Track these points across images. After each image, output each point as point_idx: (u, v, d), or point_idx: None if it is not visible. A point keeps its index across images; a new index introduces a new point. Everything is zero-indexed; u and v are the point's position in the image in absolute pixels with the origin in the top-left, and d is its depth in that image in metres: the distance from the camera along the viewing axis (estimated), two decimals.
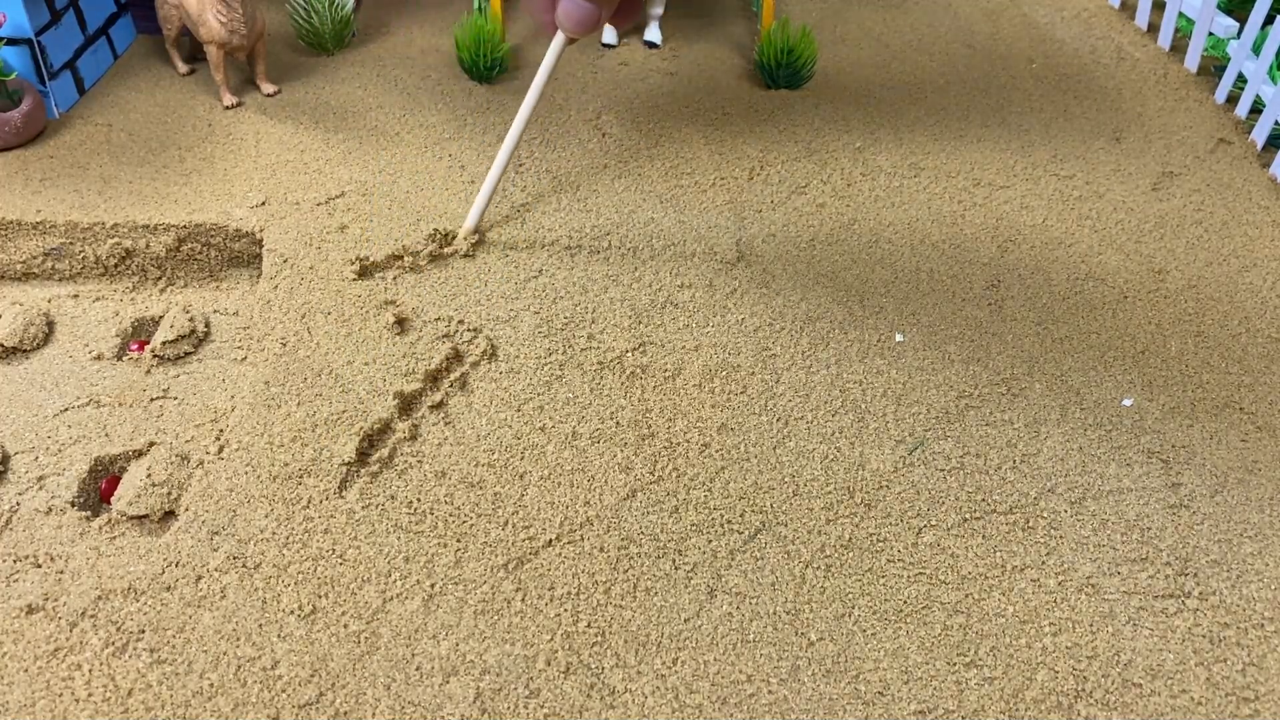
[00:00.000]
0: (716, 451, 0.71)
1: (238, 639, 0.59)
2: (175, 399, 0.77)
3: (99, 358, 0.81)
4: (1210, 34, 1.19)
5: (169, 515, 0.68)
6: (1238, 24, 1.16)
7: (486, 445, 0.71)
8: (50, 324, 0.84)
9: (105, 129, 1.04)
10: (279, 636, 0.59)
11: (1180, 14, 1.25)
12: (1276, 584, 0.63)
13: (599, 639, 0.59)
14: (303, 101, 1.10)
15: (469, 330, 0.80)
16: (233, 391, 0.78)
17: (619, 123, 1.07)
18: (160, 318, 0.86)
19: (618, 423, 0.73)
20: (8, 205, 0.91)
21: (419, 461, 0.70)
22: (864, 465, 0.70)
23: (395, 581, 0.62)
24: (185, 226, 0.90)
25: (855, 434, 0.73)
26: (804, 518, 0.67)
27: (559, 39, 0.79)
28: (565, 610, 0.61)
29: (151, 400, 0.77)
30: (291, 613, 0.60)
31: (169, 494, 0.68)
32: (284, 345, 0.78)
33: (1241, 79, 1.13)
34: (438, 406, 0.74)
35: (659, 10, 1.24)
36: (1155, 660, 0.59)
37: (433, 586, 0.62)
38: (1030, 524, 0.67)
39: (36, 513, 0.67)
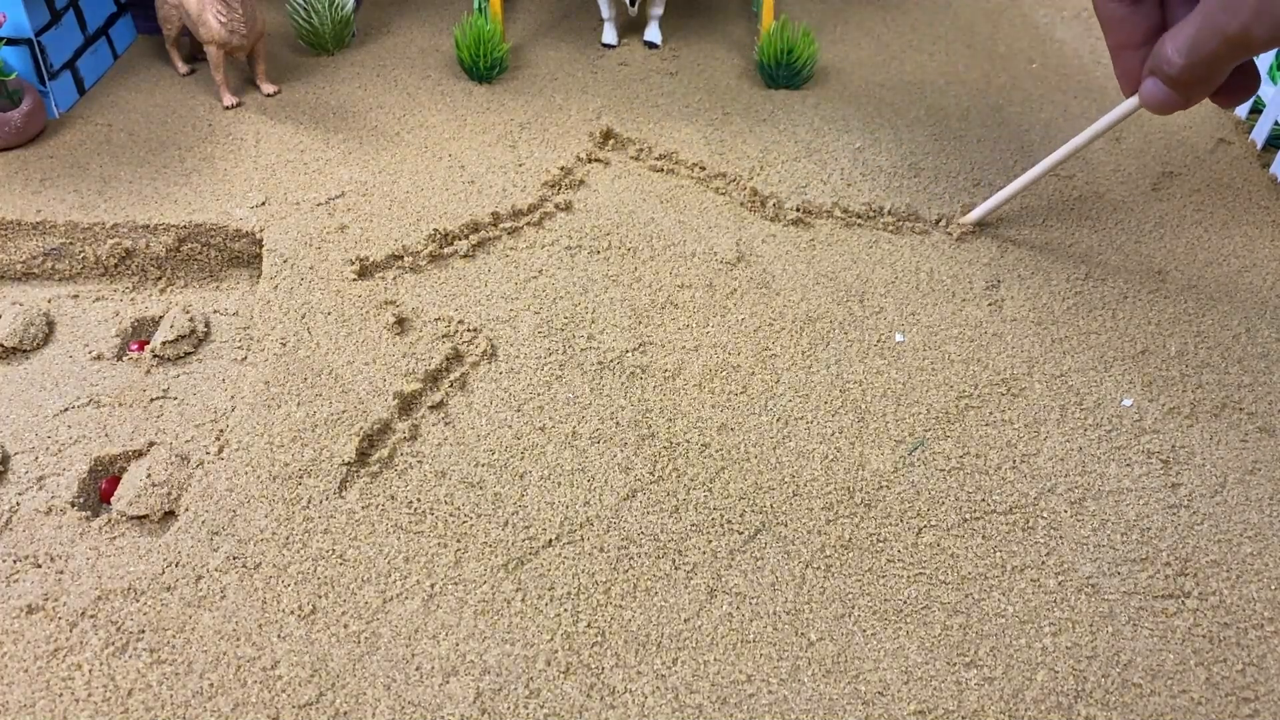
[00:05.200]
0: (716, 451, 0.71)
1: (238, 639, 0.59)
2: (175, 399, 0.77)
3: (99, 358, 0.81)
4: None
5: (169, 515, 0.68)
6: None
7: (486, 445, 0.71)
8: (50, 324, 0.84)
9: (105, 129, 1.04)
10: (279, 636, 0.59)
11: None
12: (1276, 584, 0.63)
13: (599, 639, 0.59)
14: (303, 101, 1.10)
15: (469, 330, 0.80)
16: (233, 391, 0.78)
17: (619, 123, 1.07)
18: (160, 318, 0.86)
19: (618, 423, 0.73)
20: (8, 205, 0.91)
21: (419, 461, 0.70)
22: (864, 465, 0.70)
23: (395, 581, 0.62)
24: (185, 226, 0.90)
25: (855, 434, 0.73)
26: (804, 518, 0.67)
27: (1131, 103, 0.74)
28: (565, 610, 0.61)
29: (151, 400, 0.77)
30: (291, 613, 0.60)
31: (169, 494, 0.68)
32: (284, 345, 0.78)
33: None
34: (438, 406, 0.74)
35: (659, 10, 1.24)
36: (1155, 660, 0.59)
37: (433, 586, 0.62)
38: (1030, 524, 0.67)
39: (36, 513, 0.67)
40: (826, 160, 1.02)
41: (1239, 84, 0.65)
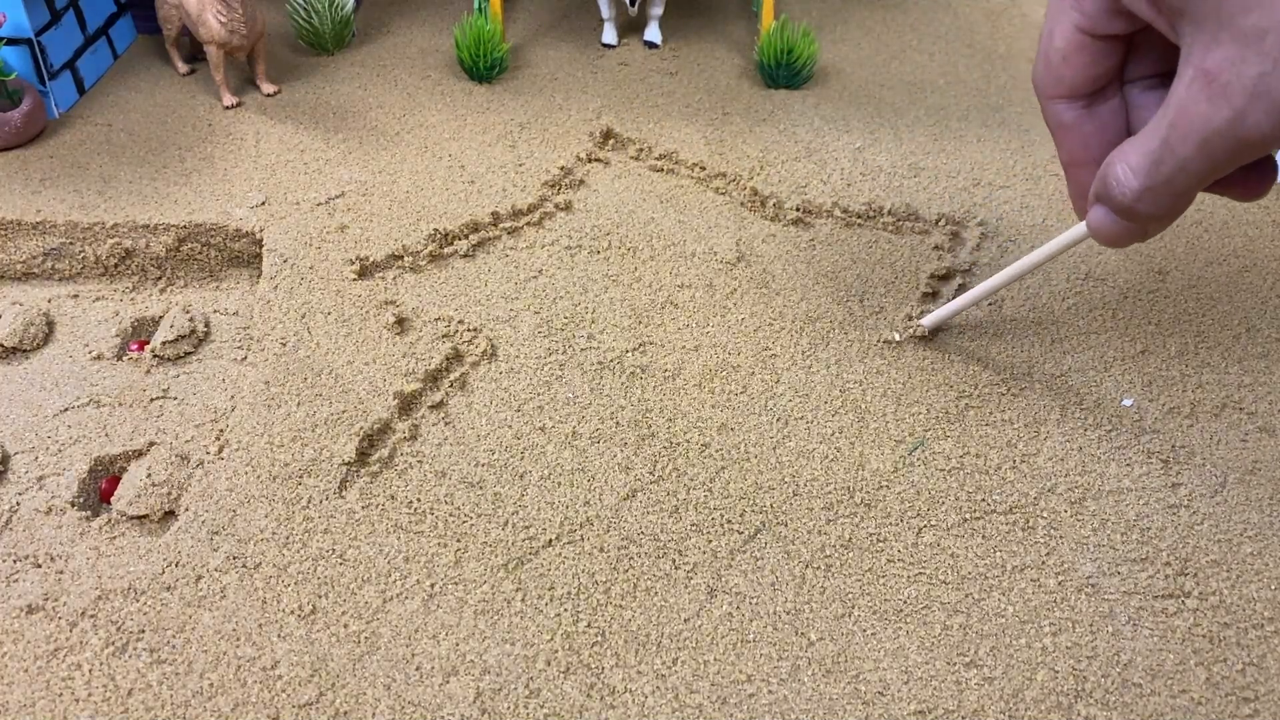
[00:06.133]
0: (716, 451, 0.71)
1: (238, 639, 0.59)
2: (175, 399, 0.77)
3: (99, 358, 0.81)
4: None
5: (169, 515, 0.68)
6: None
7: (486, 445, 0.71)
8: (50, 324, 0.84)
9: (105, 129, 1.04)
10: (279, 636, 0.59)
11: None
12: (1276, 584, 0.63)
13: (599, 639, 0.59)
14: (303, 101, 1.10)
15: (469, 330, 0.80)
16: (233, 391, 0.78)
17: (619, 123, 1.07)
18: (160, 318, 0.86)
19: (618, 423, 0.73)
20: (8, 205, 0.91)
21: (419, 461, 0.70)
22: (864, 465, 0.70)
23: (395, 581, 0.62)
24: (185, 226, 0.90)
25: (855, 434, 0.73)
26: (804, 518, 0.67)
27: (1080, 229, 0.62)
28: (565, 610, 0.61)
29: (151, 400, 0.77)
30: (291, 613, 0.60)
31: (169, 494, 0.68)
32: (284, 345, 0.78)
33: None
34: (438, 406, 0.74)
35: (659, 10, 1.24)
36: (1155, 660, 0.59)
37: (433, 586, 0.62)
38: (1030, 524, 0.67)
39: (36, 513, 0.67)
40: (826, 160, 1.02)
41: (1254, 172, 0.50)
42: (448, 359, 0.78)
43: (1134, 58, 0.53)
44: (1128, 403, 0.75)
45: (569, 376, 0.77)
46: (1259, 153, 0.43)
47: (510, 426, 0.73)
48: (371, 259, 0.86)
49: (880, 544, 0.65)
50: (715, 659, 0.59)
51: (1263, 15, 0.40)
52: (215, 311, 0.87)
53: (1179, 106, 0.44)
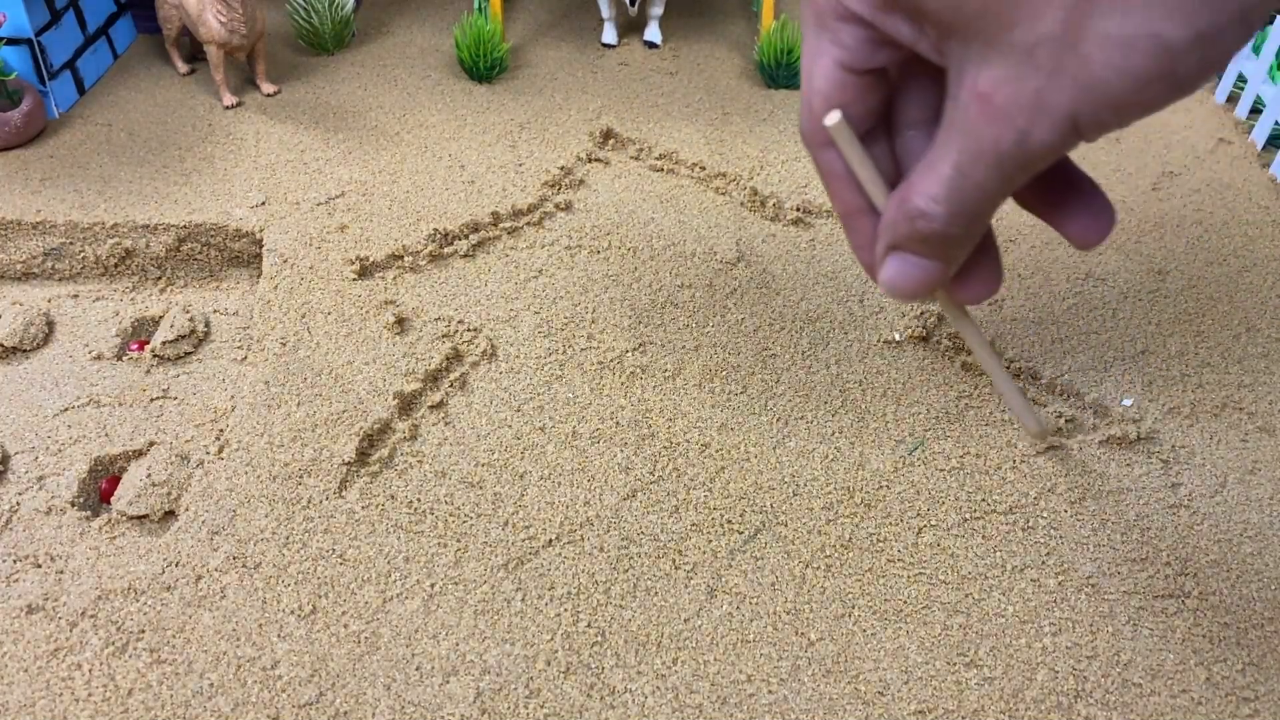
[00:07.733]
0: (716, 451, 0.71)
1: (238, 639, 0.59)
2: (175, 399, 0.77)
3: (99, 358, 0.81)
4: None
5: (169, 515, 0.68)
6: None
7: (486, 445, 0.71)
8: (50, 324, 0.84)
9: (105, 129, 1.04)
10: (279, 636, 0.59)
11: None
12: (1276, 584, 0.63)
13: (599, 639, 0.59)
14: (303, 101, 1.10)
15: (469, 330, 0.80)
16: (233, 391, 0.78)
17: (619, 123, 1.07)
18: (160, 318, 0.86)
19: (618, 423, 0.73)
20: (8, 205, 0.91)
21: (419, 461, 0.70)
22: (864, 465, 0.70)
23: (395, 581, 0.62)
24: (185, 226, 0.90)
25: (855, 434, 0.73)
26: (804, 518, 0.67)
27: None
28: (565, 610, 0.61)
29: (151, 400, 0.77)
30: (291, 613, 0.60)
31: (169, 494, 0.68)
32: (284, 345, 0.78)
33: (1241, 79, 1.13)
34: (438, 406, 0.74)
35: (659, 10, 1.24)
36: (1155, 660, 0.59)
37: (433, 586, 0.62)
38: (1030, 524, 0.67)
39: (36, 513, 0.67)
40: None
41: (1092, 217, 0.49)
42: (448, 359, 0.78)
43: (900, 102, 0.50)
44: (1127, 403, 0.75)
45: (569, 376, 0.77)
46: (1047, 163, 0.41)
47: (510, 426, 0.73)
48: (371, 259, 0.86)
49: (880, 544, 0.65)
50: (715, 659, 0.59)
51: (1027, 30, 0.38)
52: (215, 311, 0.87)
53: (963, 131, 0.42)
